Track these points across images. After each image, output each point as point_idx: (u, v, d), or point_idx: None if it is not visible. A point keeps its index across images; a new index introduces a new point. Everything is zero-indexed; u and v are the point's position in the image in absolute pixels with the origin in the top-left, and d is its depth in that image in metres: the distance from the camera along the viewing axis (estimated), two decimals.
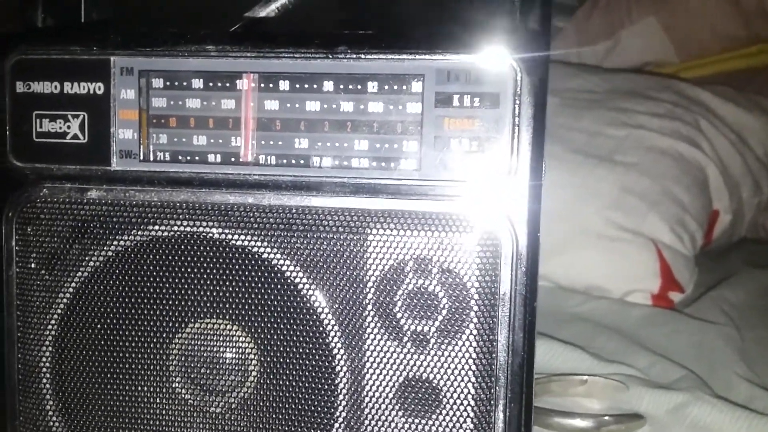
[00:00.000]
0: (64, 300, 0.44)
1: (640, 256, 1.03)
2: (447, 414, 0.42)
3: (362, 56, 0.41)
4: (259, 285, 0.43)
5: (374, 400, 0.43)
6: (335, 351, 0.43)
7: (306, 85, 0.42)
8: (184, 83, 0.43)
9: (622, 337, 0.88)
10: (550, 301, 1.00)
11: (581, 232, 1.04)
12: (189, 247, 0.43)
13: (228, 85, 0.43)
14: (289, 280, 0.43)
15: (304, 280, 0.43)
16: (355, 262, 0.42)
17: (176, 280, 0.44)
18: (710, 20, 1.50)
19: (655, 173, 1.09)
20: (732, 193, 1.18)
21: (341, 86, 0.42)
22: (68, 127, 0.44)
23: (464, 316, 0.42)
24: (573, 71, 1.31)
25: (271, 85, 0.42)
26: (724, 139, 1.19)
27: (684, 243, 1.06)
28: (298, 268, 0.43)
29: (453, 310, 0.42)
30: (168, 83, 0.43)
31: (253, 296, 0.43)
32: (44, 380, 0.45)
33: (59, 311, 0.45)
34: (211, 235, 0.43)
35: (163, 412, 0.45)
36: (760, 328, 0.92)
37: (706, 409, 0.67)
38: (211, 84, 0.43)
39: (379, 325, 0.42)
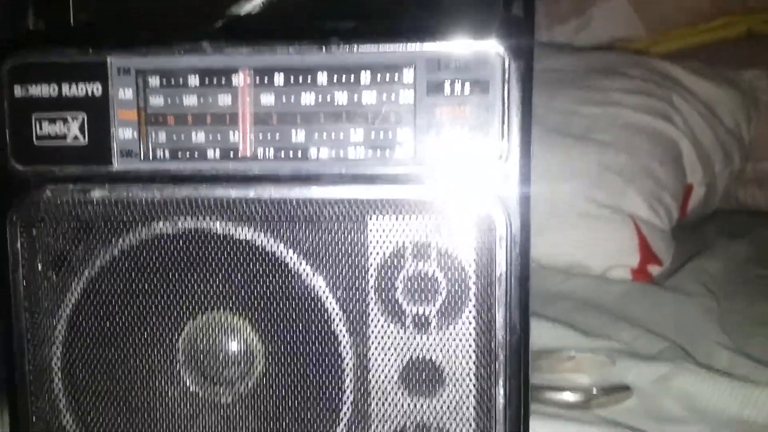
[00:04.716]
0: (72, 300, 0.45)
1: (619, 232, 1.05)
2: (450, 392, 0.44)
3: (355, 48, 0.42)
4: (263, 276, 0.44)
5: (380, 382, 0.44)
6: (340, 336, 0.44)
7: (301, 79, 0.43)
8: (181, 81, 0.44)
9: (605, 313, 0.91)
10: (533, 280, 1.01)
11: (561, 212, 1.06)
12: (193, 243, 0.44)
13: (224, 81, 0.43)
14: (291, 270, 0.44)
15: (307, 269, 0.44)
16: (355, 249, 0.43)
17: (181, 276, 0.45)
18: None
19: (631, 149, 1.11)
20: (705, 166, 1.21)
21: (335, 78, 0.43)
22: (68, 129, 0.44)
23: (463, 297, 0.43)
24: (545, 51, 1.33)
25: (266, 80, 0.43)
26: (695, 113, 1.22)
27: (661, 217, 1.09)
28: (300, 258, 0.44)
29: (452, 291, 0.43)
30: (164, 81, 0.44)
31: (256, 287, 0.44)
32: (56, 380, 0.46)
33: (68, 311, 0.45)
34: (214, 230, 0.44)
35: (173, 404, 0.46)
36: (737, 297, 0.95)
37: (689, 379, 0.70)
38: (207, 81, 0.43)
39: (381, 309, 0.44)
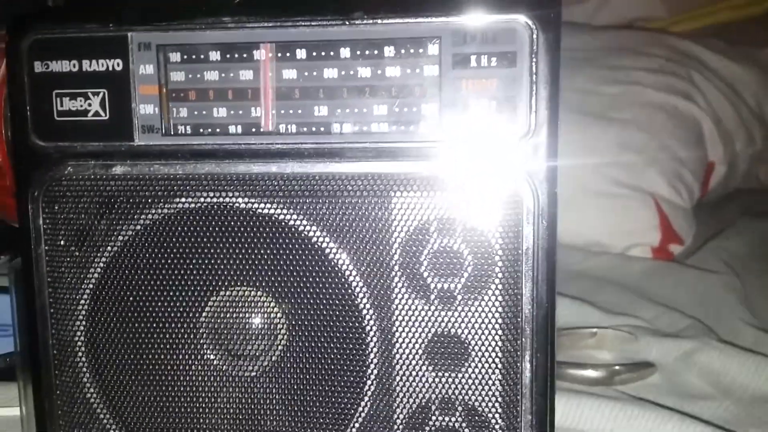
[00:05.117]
0: (95, 275, 0.45)
1: (640, 210, 1.05)
2: (476, 366, 0.43)
3: (378, 21, 0.42)
4: (286, 251, 0.44)
5: (404, 356, 0.44)
6: (364, 311, 0.44)
7: (323, 53, 0.42)
8: (202, 56, 0.43)
9: (626, 291, 0.90)
10: None
11: (581, 190, 1.05)
12: (215, 218, 0.44)
13: (245, 55, 0.43)
14: (315, 246, 0.44)
15: (331, 244, 0.43)
16: (380, 224, 0.43)
17: (204, 251, 0.45)
18: None
19: (651, 128, 1.10)
20: (726, 144, 1.20)
21: (358, 52, 0.42)
22: (89, 105, 0.44)
23: (489, 272, 0.43)
24: (563, 30, 1.31)
25: (288, 54, 0.43)
26: (717, 92, 1.20)
27: (682, 196, 1.07)
28: (323, 233, 0.43)
29: (478, 266, 0.43)
30: (185, 57, 0.43)
31: (279, 263, 0.44)
32: (79, 354, 0.46)
33: (90, 286, 0.45)
34: (236, 204, 0.44)
35: (197, 378, 0.46)
36: (760, 275, 0.94)
37: (714, 355, 0.69)
38: (228, 56, 0.43)
39: (406, 284, 0.43)
